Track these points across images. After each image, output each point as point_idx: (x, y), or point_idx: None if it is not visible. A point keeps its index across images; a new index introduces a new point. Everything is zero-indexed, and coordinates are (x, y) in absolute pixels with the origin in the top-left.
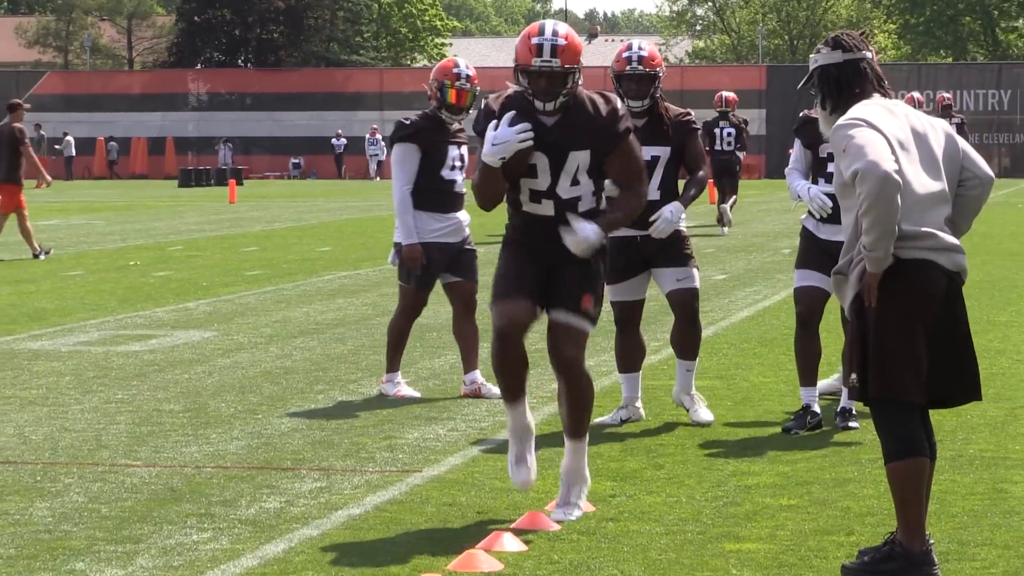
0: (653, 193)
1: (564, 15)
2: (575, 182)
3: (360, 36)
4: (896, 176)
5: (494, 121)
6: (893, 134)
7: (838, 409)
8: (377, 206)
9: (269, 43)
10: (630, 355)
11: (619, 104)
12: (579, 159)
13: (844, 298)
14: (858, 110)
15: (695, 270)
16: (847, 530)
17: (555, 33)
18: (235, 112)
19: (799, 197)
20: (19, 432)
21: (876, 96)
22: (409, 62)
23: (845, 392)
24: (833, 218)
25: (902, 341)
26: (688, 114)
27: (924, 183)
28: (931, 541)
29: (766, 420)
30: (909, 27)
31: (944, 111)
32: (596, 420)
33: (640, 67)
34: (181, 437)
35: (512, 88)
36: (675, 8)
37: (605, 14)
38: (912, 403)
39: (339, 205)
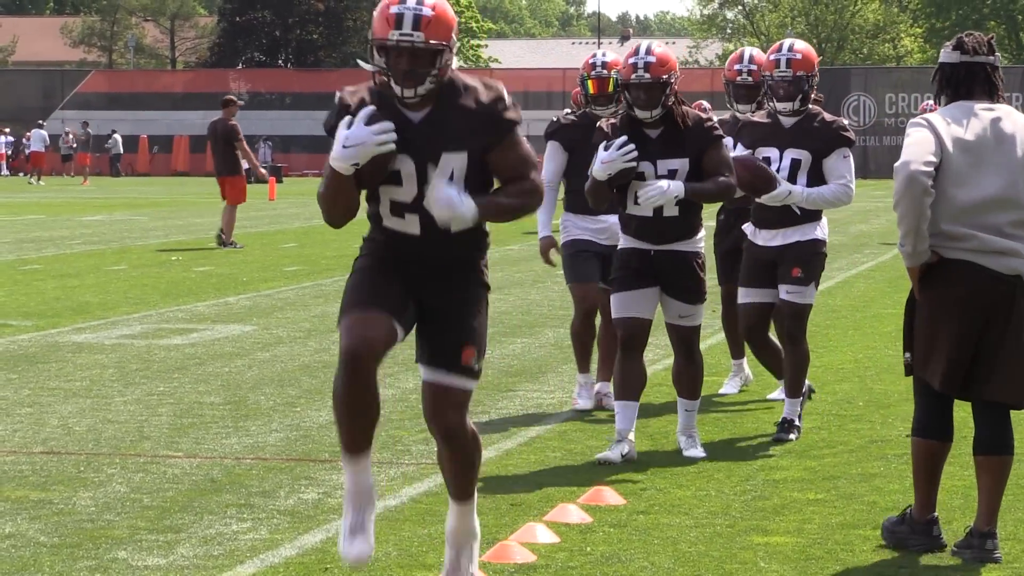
0: (671, 208)
1: (597, 17)
2: None
3: None
4: (923, 177)
5: (347, 118)
6: (957, 137)
7: (779, 420)
8: None
9: (309, 44)
10: (630, 382)
11: (503, 91)
12: (454, 163)
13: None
14: (937, 112)
15: (702, 307)
16: (873, 524)
17: (420, 0)
18: (275, 111)
19: None
20: (63, 423)
21: (979, 99)
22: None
23: (787, 403)
24: (769, 223)
25: (932, 332)
26: (709, 119)
27: (982, 186)
28: (935, 515)
29: None
30: (935, 31)
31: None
32: (598, 456)
33: (647, 75)
34: (221, 429)
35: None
36: (706, 12)
37: (637, 17)
38: (943, 392)
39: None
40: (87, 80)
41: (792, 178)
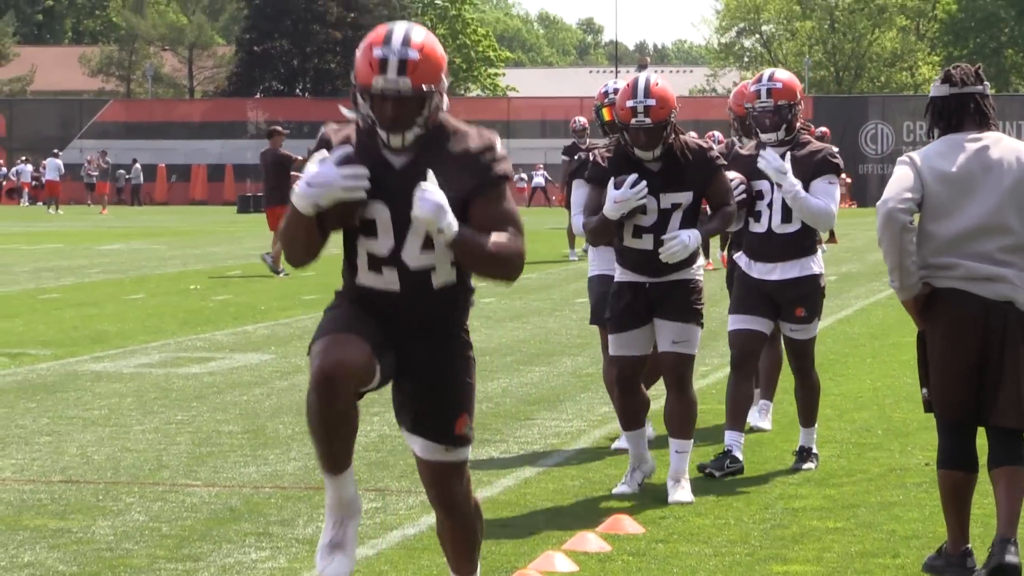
0: None
1: (615, 46)
2: (427, 245)
3: None
4: (900, 215)
5: (320, 153)
6: (940, 170)
7: (796, 449)
8: None
9: (326, 73)
10: (632, 413)
11: (496, 141)
12: None
13: None
14: (924, 148)
15: (697, 331)
16: (892, 553)
17: (406, 41)
18: (293, 140)
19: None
20: (82, 452)
21: (969, 130)
22: (463, 92)
23: (803, 432)
24: (766, 255)
25: (939, 363)
26: (710, 149)
27: (967, 216)
28: (968, 546)
29: None
30: (953, 59)
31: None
32: (614, 490)
33: (647, 120)
34: (240, 458)
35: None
36: (723, 40)
37: (655, 45)
38: (952, 421)
39: None
40: (105, 109)
41: (786, 211)
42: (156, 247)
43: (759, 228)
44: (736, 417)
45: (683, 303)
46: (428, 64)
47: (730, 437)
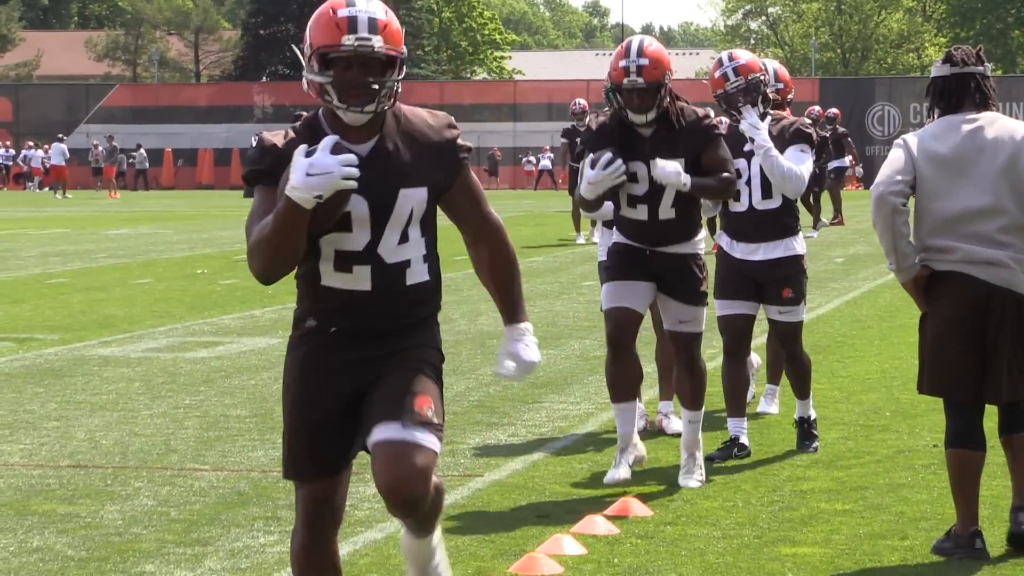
0: (667, 211)
1: (621, 29)
2: (403, 238)
3: (421, 50)
4: (891, 197)
5: (304, 146)
6: (934, 151)
7: (795, 421)
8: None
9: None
10: (624, 381)
11: (452, 120)
12: (412, 201)
13: None
14: (920, 130)
15: (703, 311)
16: (901, 534)
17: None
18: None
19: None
20: (90, 437)
21: (967, 110)
22: (469, 75)
23: (799, 404)
24: (747, 235)
25: (943, 345)
26: (707, 117)
27: (963, 198)
28: (977, 527)
29: (820, 426)
30: (959, 40)
31: (828, 122)
32: (606, 479)
33: (640, 79)
34: (248, 442)
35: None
36: (729, 22)
37: (661, 27)
38: (959, 401)
39: None
40: (112, 94)
41: (766, 186)
42: (163, 231)
43: (740, 207)
44: (737, 404)
45: (688, 286)
46: (393, 27)
47: (733, 425)
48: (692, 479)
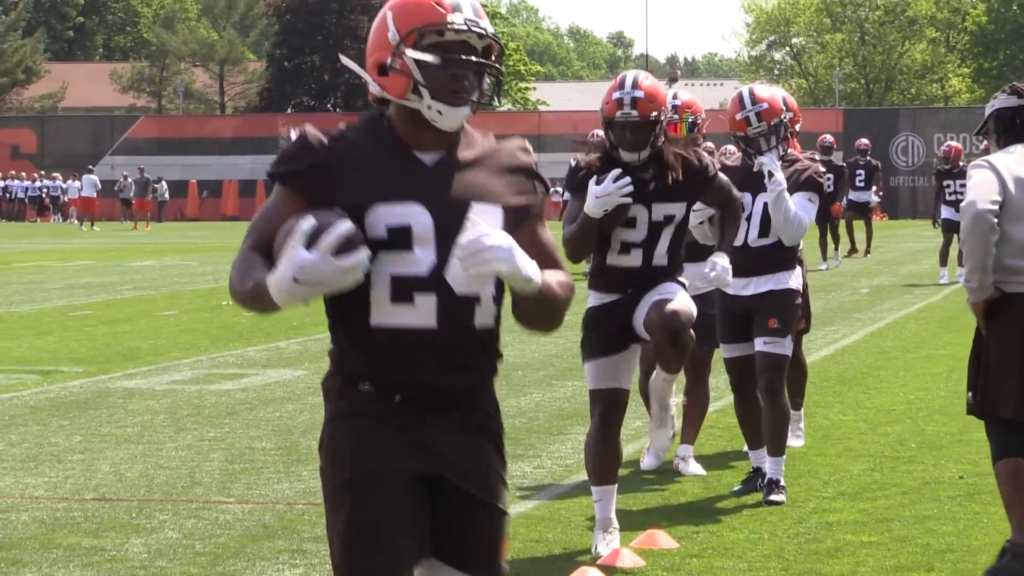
0: (661, 258)
1: (645, 60)
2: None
3: None
4: (989, 216)
5: (305, 220)
6: (1017, 175)
7: (764, 482)
8: None
9: (358, 88)
10: (607, 463)
11: (526, 143)
12: (488, 220)
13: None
14: (998, 153)
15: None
16: (927, 567)
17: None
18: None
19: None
20: (115, 469)
21: None
22: (494, 106)
23: (770, 462)
24: (740, 270)
25: (1003, 366)
26: (700, 159)
27: None
28: None
29: (846, 457)
30: (983, 71)
31: (824, 152)
32: (594, 550)
33: (634, 113)
34: (273, 474)
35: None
36: (753, 53)
37: (685, 58)
38: (1007, 418)
39: None
40: (137, 125)
41: (765, 225)
42: (188, 263)
43: (735, 242)
44: (753, 436)
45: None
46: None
47: (755, 456)
48: (694, 467)
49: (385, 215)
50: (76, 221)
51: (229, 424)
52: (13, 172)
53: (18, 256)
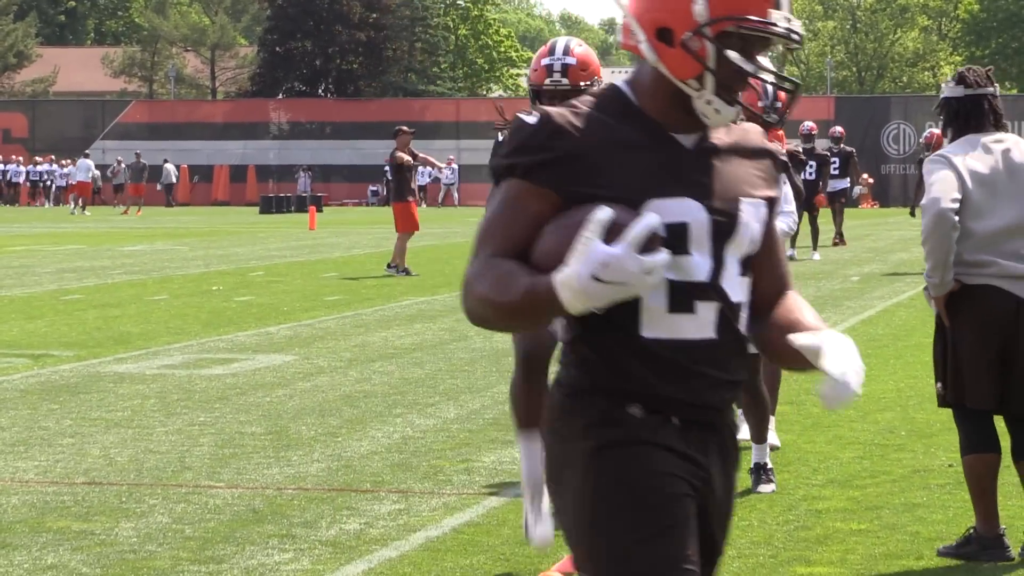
0: None
1: None
2: (744, 269)
3: (437, 67)
4: (951, 215)
5: (602, 220)
6: (974, 171)
7: (751, 466)
8: (453, 233)
9: (349, 74)
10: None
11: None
12: (755, 218)
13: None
14: (951, 147)
15: None
16: (916, 555)
17: (567, 51)
18: (315, 140)
19: None
20: (105, 454)
21: (988, 131)
22: (485, 92)
23: (755, 448)
24: None
25: (970, 356)
26: None
27: (999, 216)
28: (1003, 528)
29: (836, 445)
30: (975, 59)
31: (806, 140)
32: (533, 542)
33: (564, 80)
34: (263, 459)
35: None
36: None
37: None
38: (980, 408)
39: (416, 232)
40: (128, 110)
41: None
42: (179, 248)
43: None
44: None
45: None
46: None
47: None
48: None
49: (662, 211)
50: (74, 205)
51: (219, 409)
52: (15, 156)
53: (9, 240)
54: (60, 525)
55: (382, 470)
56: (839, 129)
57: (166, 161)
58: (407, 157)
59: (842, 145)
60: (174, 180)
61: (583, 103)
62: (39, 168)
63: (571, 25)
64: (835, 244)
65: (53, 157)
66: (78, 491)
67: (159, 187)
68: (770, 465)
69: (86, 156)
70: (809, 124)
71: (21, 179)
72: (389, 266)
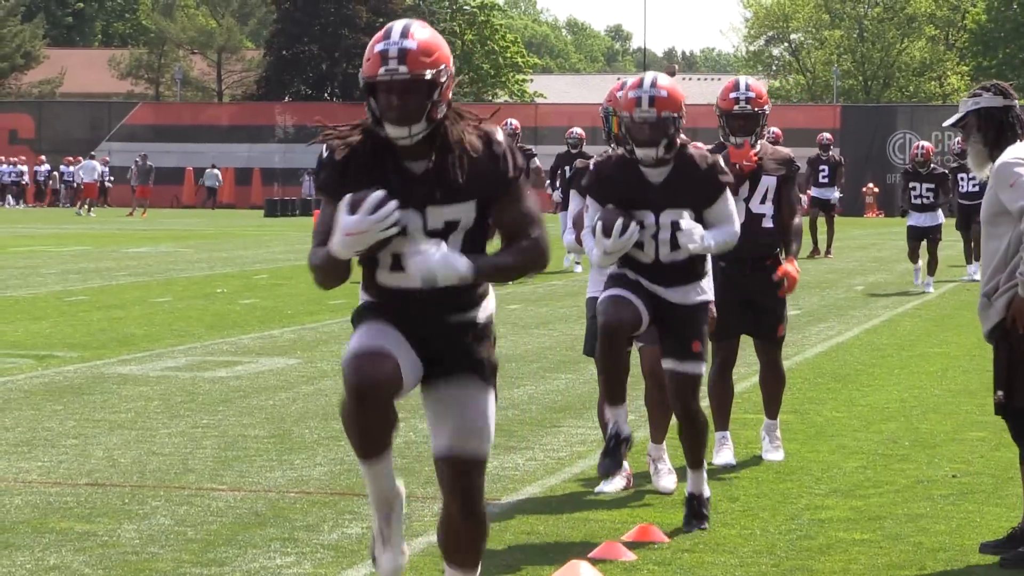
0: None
1: (643, 53)
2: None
3: None
4: None
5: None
6: None
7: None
8: None
9: (355, 78)
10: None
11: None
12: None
13: (986, 321)
14: (1019, 150)
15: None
16: (919, 565)
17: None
18: (320, 144)
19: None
20: (108, 455)
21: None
22: (491, 98)
23: (691, 476)
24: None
25: None
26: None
27: None
28: None
29: (839, 454)
30: (982, 69)
31: (823, 150)
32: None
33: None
34: (265, 462)
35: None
36: (752, 48)
37: (683, 52)
38: None
39: None
40: (134, 112)
41: (675, 241)
42: (183, 250)
43: (645, 258)
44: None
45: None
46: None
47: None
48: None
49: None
50: (79, 206)
51: (222, 411)
52: (42, 158)
53: (13, 240)
54: (63, 526)
55: None
56: (827, 135)
57: (213, 165)
58: None
59: (831, 153)
60: (218, 183)
61: (366, 134)
62: (44, 168)
63: (577, 32)
64: (827, 254)
65: (43, 158)
66: (81, 492)
67: (201, 185)
68: (707, 495)
69: (92, 157)
70: (827, 135)
71: (50, 181)
72: None
